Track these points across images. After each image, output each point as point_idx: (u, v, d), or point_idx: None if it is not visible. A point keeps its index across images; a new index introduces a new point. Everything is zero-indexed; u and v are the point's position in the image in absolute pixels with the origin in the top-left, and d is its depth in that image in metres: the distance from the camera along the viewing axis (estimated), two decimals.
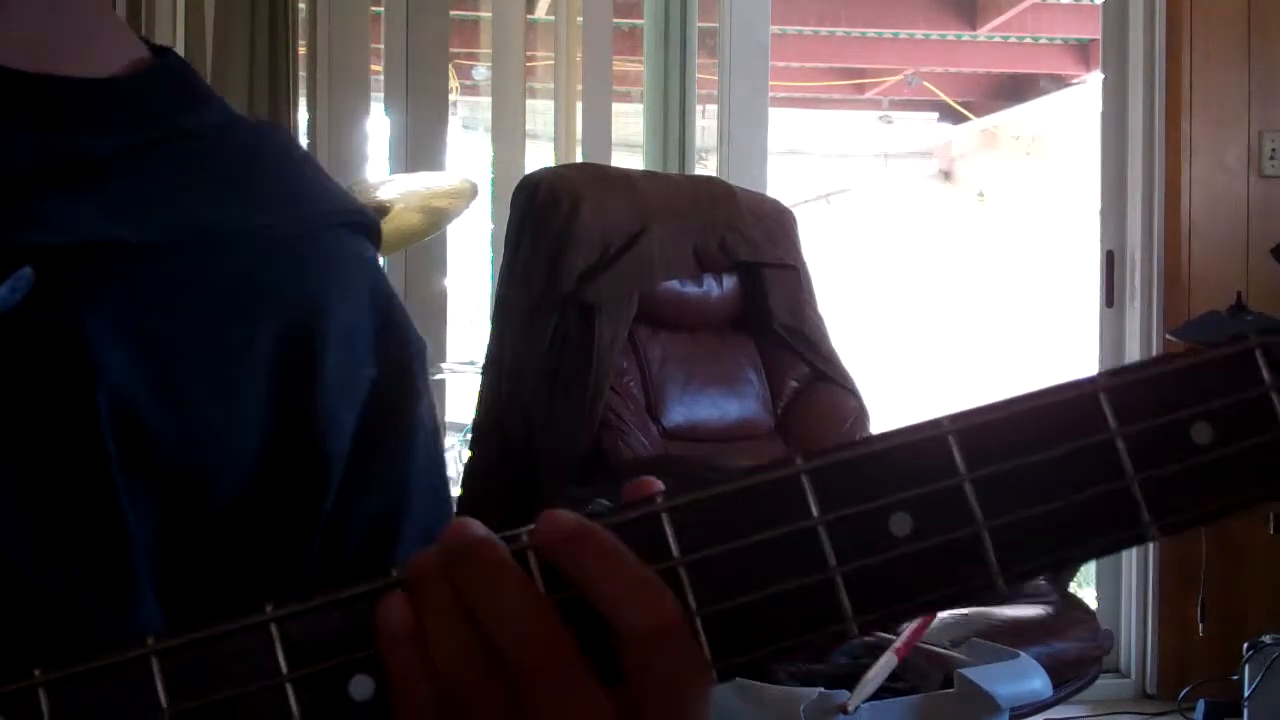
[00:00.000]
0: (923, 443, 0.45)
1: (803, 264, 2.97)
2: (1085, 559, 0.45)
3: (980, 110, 9.12)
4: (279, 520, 0.61)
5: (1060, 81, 8.28)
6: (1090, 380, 0.46)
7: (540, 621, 0.44)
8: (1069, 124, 8.32)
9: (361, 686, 0.45)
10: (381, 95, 3.53)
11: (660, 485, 0.46)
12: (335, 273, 0.64)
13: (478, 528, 0.45)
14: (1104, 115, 3.92)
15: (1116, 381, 0.46)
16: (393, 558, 0.62)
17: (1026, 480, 0.45)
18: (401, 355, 0.65)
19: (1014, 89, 8.74)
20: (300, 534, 0.61)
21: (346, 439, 0.62)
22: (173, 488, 0.58)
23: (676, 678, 0.44)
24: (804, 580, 0.45)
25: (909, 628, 2.11)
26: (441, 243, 3.51)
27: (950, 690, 1.96)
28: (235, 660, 0.44)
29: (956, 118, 9.28)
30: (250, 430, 0.60)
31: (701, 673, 0.44)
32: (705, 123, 3.83)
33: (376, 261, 0.67)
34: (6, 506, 0.55)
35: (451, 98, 4.16)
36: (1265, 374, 0.45)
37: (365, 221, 0.67)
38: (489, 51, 4.23)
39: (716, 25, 3.67)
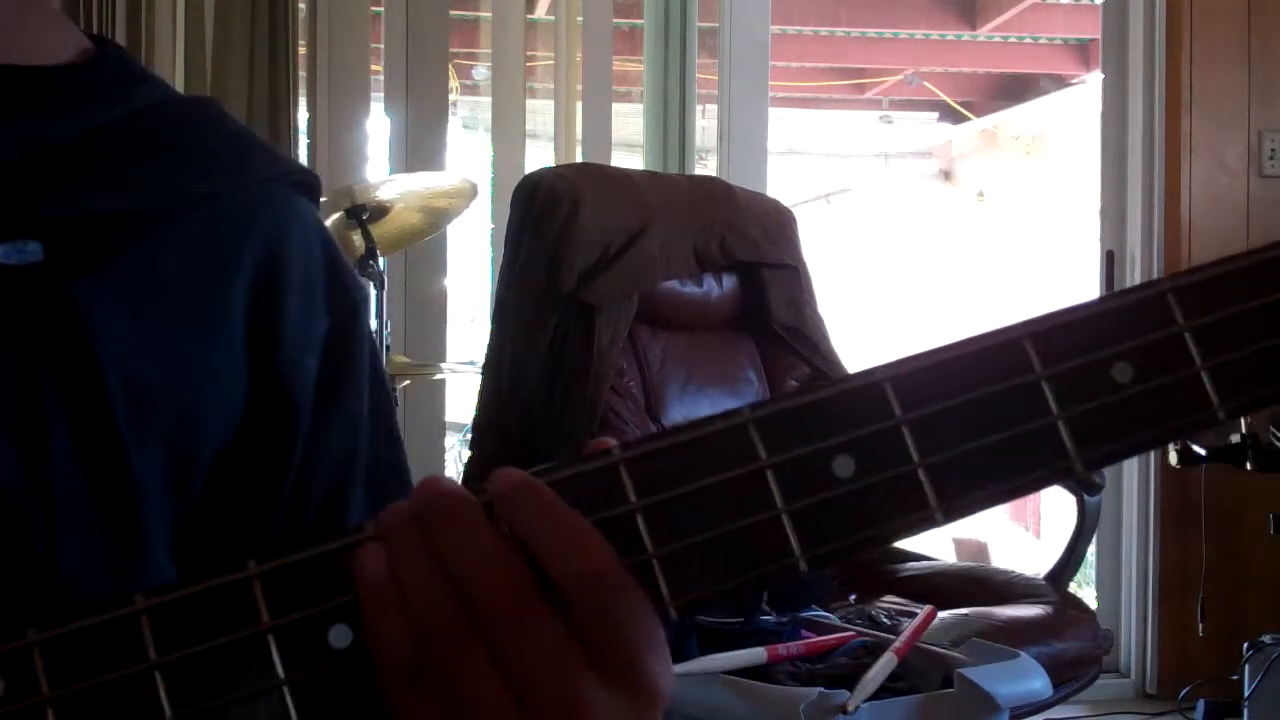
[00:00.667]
0: (861, 389, 0.48)
1: (803, 264, 2.97)
2: (1017, 493, 0.48)
3: (980, 110, 9.11)
4: (257, 470, 0.65)
5: (1060, 81, 8.28)
6: (1015, 326, 0.49)
7: (503, 566, 0.47)
8: (1069, 124, 8.32)
9: (340, 635, 0.47)
10: (381, 95, 3.53)
11: (614, 443, 0.49)
12: (288, 229, 0.69)
13: (448, 483, 0.48)
14: (1104, 115, 3.92)
15: (1040, 326, 0.49)
16: (350, 494, 0.68)
17: (959, 421, 0.48)
18: (349, 301, 0.70)
19: (1014, 89, 8.74)
20: (274, 481, 0.66)
21: (310, 385, 0.67)
22: (174, 445, 0.62)
23: (618, 617, 0.47)
24: (754, 518, 0.48)
25: (909, 627, 2.11)
26: (441, 243, 3.51)
27: (950, 690, 1.96)
28: (219, 613, 0.46)
29: (956, 118, 9.27)
30: (232, 381, 0.65)
31: (645, 612, 0.47)
32: (705, 123, 3.83)
33: (319, 216, 0.73)
34: (15, 463, 0.58)
35: (451, 98, 4.16)
36: (1179, 315, 0.48)
37: (307, 179, 0.72)
38: (489, 51, 4.23)
39: (716, 25, 3.67)
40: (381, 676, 0.47)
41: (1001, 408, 0.48)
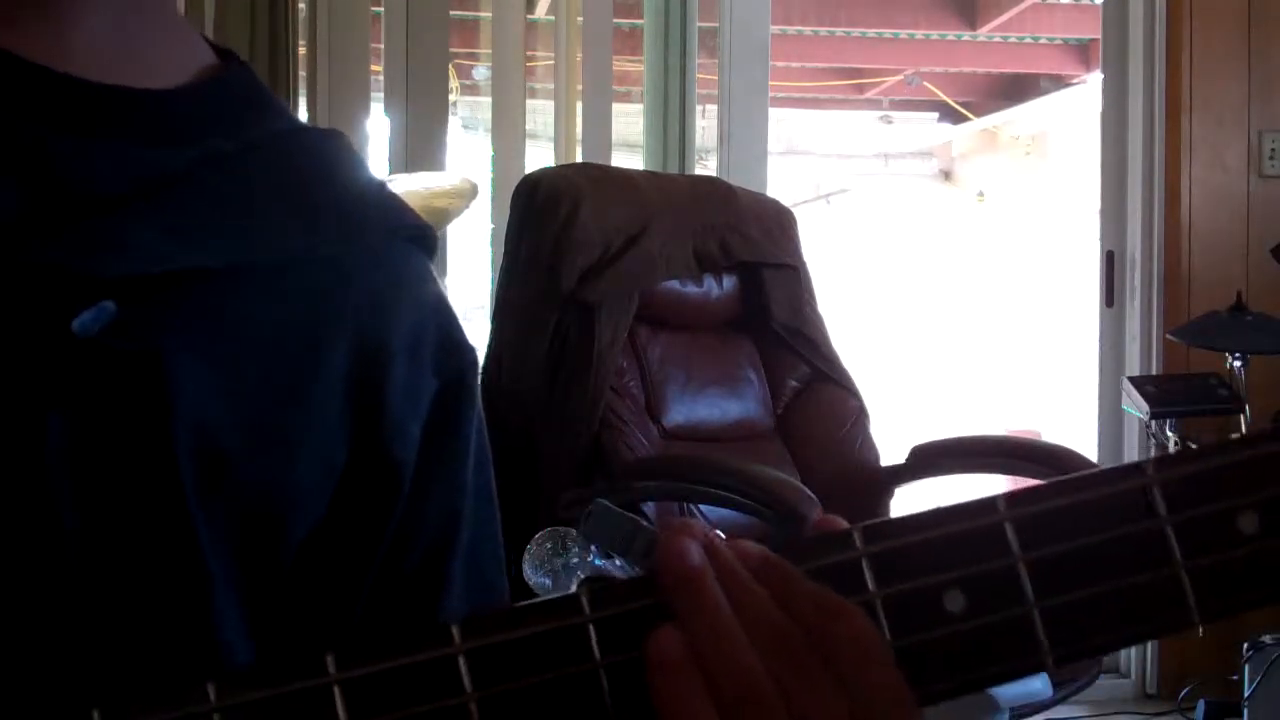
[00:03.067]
0: (979, 527, 0.47)
1: (803, 264, 2.97)
2: (1133, 641, 0.47)
3: (980, 110, 9.12)
4: (355, 534, 0.61)
5: (1060, 81, 8.28)
6: (1141, 467, 0.48)
7: (798, 633, 0.47)
8: (1069, 124, 8.32)
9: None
10: (381, 95, 3.53)
11: (844, 523, 0.48)
12: (399, 288, 0.65)
13: (729, 542, 0.48)
14: (1104, 115, 3.92)
15: (1169, 473, 0.47)
16: (451, 562, 0.64)
17: (1078, 564, 0.46)
18: (459, 364, 0.67)
19: (1014, 89, 8.74)
20: (367, 552, 0.62)
21: (414, 448, 0.63)
22: (253, 516, 0.58)
23: (890, 693, 0.46)
24: (1002, 616, 0.47)
25: None
26: (441, 243, 3.50)
27: None
28: (298, 713, 0.44)
29: (956, 118, 9.28)
30: (331, 449, 0.61)
31: (907, 693, 0.47)
32: (705, 123, 3.83)
33: (433, 274, 0.69)
34: (87, 544, 0.54)
35: (451, 98, 4.16)
36: None
37: (424, 234, 0.68)
38: (489, 51, 4.22)
39: (716, 25, 3.66)
40: (727, 707, 0.45)
41: (1124, 553, 0.47)
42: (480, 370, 0.69)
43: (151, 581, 0.56)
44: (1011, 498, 0.47)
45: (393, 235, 0.66)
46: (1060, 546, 0.46)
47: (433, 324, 0.66)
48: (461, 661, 0.44)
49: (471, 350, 0.68)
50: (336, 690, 0.44)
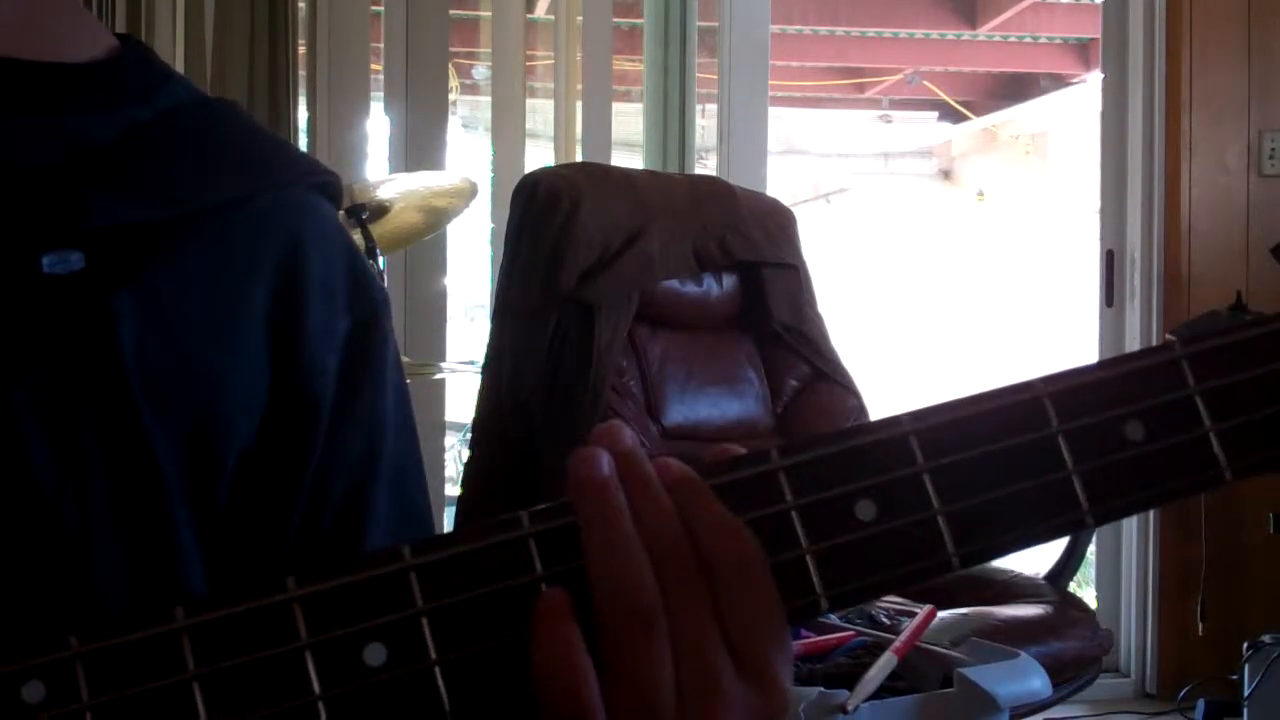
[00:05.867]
0: (885, 440, 0.51)
1: (802, 263, 2.97)
2: (1032, 542, 0.51)
3: (980, 110, 9.12)
4: (277, 472, 0.66)
5: (1060, 81, 8.28)
6: (1032, 382, 0.52)
7: (682, 534, 0.50)
8: (1069, 124, 8.32)
9: (375, 653, 0.48)
10: (381, 95, 3.53)
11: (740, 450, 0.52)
12: (310, 232, 0.69)
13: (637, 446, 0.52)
14: (1104, 115, 3.92)
15: (1059, 386, 0.52)
16: (375, 493, 0.68)
17: (979, 471, 0.51)
18: (371, 303, 0.71)
19: (1014, 89, 8.74)
20: (293, 482, 0.66)
21: (331, 383, 0.67)
22: (195, 434, 0.63)
23: (757, 606, 0.50)
24: (781, 556, 0.51)
25: (909, 627, 2.11)
26: (441, 243, 3.51)
27: (950, 690, 1.96)
28: (259, 630, 0.47)
29: (956, 117, 9.28)
30: (254, 383, 0.66)
31: (780, 610, 0.50)
32: (705, 122, 3.83)
33: (338, 218, 0.74)
34: (52, 468, 0.58)
35: (451, 98, 4.16)
36: (1191, 379, 0.51)
37: (329, 182, 0.72)
38: (489, 51, 4.23)
39: (716, 25, 3.67)
40: (610, 614, 0.48)
41: (1020, 460, 0.51)
42: (389, 309, 0.73)
43: (120, 520, 0.60)
44: (916, 414, 0.51)
45: (305, 185, 0.71)
46: (961, 455, 0.51)
47: (344, 266, 0.70)
48: (413, 576, 0.48)
49: (383, 291, 0.72)
50: (296, 607, 0.47)
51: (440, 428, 3.66)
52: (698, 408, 2.78)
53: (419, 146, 3.51)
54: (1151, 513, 3.78)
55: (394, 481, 0.69)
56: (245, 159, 0.69)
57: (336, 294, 0.69)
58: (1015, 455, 0.51)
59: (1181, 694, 3.55)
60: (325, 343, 0.68)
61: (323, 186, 0.72)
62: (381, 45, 3.52)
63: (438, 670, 0.47)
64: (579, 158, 3.71)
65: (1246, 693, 3.13)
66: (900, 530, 0.50)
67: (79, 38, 0.68)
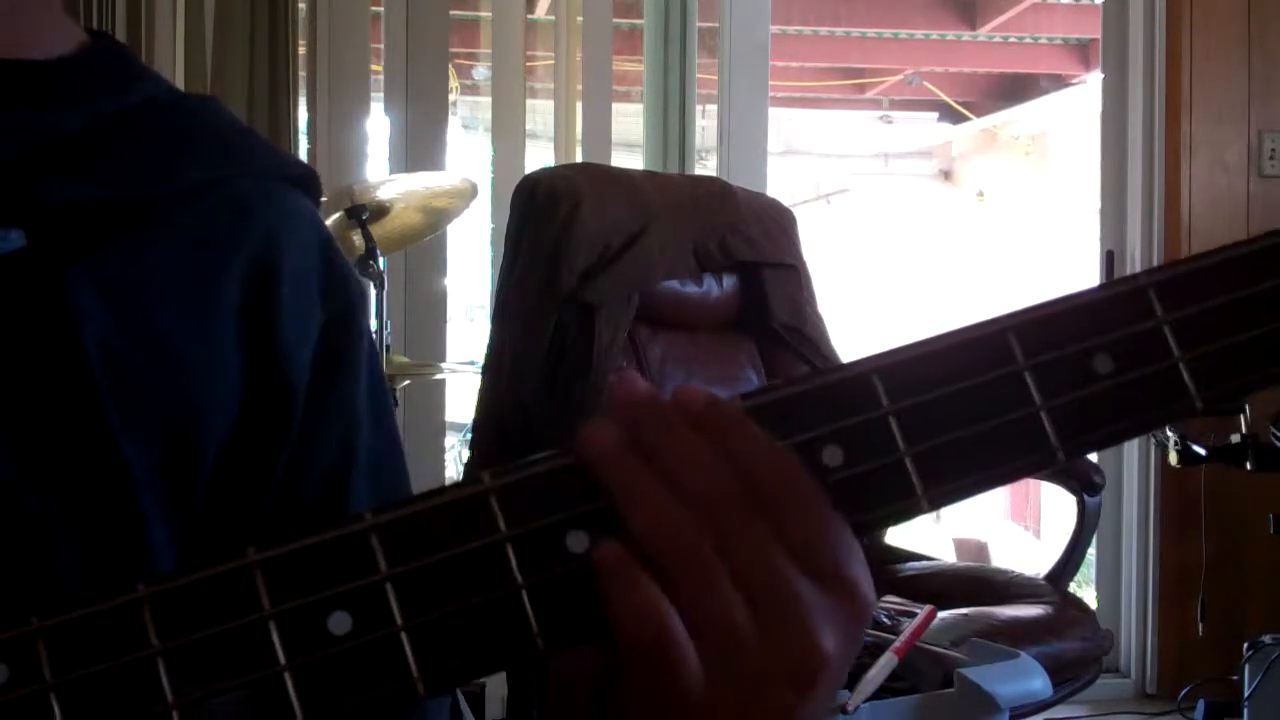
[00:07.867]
0: (849, 380, 0.50)
1: (803, 264, 2.97)
2: (1002, 481, 0.50)
3: (980, 110, 9.11)
4: (252, 465, 0.65)
5: (1060, 81, 8.27)
6: (999, 318, 0.51)
7: (721, 466, 0.49)
8: (1069, 124, 8.32)
9: (340, 621, 0.47)
10: (381, 95, 3.53)
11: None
12: (284, 223, 0.69)
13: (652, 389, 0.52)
14: (1104, 115, 3.92)
15: (1023, 318, 0.51)
16: (352, 484, 0.68)
17: (945, 411, 0.50)
18: (346, 297, 0.70)
19: (1014, 89, 8.74)
20: (269, 469, 0.66)
21: (305, 373, 0.67)
22: (168, 428, 0.62)
23: (821, 522, 0.49)
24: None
25: (909, 627, 2.11)
26: (441, 243, 3.51)
27: (950, 690, 1.96)
28: (221, 600, 0.47)
29: (956, 118, 9.27)
30: (227, 374, 0.65)
31: (842, 521, 0.49)
32: (705, 123, 3.83)
33: (317, 212, 0.73)
34: (8, 457, 0.58)
35: (451, 98, 4.16)
36: (1159, 309, 0.50)
37: (305, 174, 0.72)
38: (489, 51, 4.22)
39: (716, 25, 3.67)
40: (663, 570, 0.47)
41: (986, 398, 0.50)
42: (365, 301, 0.73)
43: (84, 511, 0.59)
44: (879, 355, 0.51)
45: (277, 175, 0.70)
46: (927, 395, 0.50)
47: (319, 260, 0.70)
48: (374, 539, 0.47)
49: (359, 284, 0.72)
50: (258, 575, 0.47)
51: (440, 428, 3.66)
52: None
53: (419, 147, 3.51)
54: (1151, 512, 3.78)
55: (371, 475, 0.69)
56: (218, 148, 0.69)
57: (311, 287, 0.69)
58: (981, 393, 0.50)
59: (1181, 694, 3.55)
60: (299, 335, 0.67)
61: (300, 180, 0.71)
62: (381, 45, 3.52)
63: (404, 636, 0.47)
64: (579, 158, 3.71)
65: (1247, 693, 3.13)
66: (865, 474, 0.49)
67: (47, 35, 0.67)
